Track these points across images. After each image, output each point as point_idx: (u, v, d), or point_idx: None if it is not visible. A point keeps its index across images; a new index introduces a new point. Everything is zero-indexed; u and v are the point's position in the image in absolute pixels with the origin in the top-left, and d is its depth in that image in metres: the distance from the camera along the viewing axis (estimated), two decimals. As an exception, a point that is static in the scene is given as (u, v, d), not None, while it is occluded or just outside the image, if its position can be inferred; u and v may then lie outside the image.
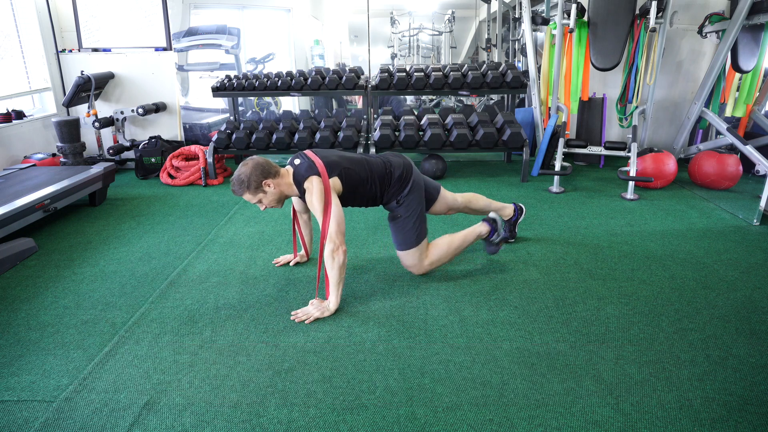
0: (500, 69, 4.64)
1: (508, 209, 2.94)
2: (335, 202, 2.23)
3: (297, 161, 2.35)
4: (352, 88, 4.75)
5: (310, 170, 2.27)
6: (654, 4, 3.90)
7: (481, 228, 2.68)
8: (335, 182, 2.28)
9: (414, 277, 2.61)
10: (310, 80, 4.75)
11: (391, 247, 2.96)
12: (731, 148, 4.20)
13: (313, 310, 2.24)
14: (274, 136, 4.41)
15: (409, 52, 6.31)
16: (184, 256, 2.93)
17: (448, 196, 2.78)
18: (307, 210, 2.68)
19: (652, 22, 3.95)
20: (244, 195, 2.28)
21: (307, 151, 2.38)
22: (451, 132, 4.27)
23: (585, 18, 4.38)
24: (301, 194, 2.34)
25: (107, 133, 5.21)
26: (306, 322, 2.19)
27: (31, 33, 4.92)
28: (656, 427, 1.58)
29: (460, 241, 2.61)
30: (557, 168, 4.05)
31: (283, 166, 2.43)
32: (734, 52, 4.09)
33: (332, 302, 2.25)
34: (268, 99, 6.04)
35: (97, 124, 4.81)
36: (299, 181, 2.29)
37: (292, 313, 2.26)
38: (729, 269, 2.65)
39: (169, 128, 5.37)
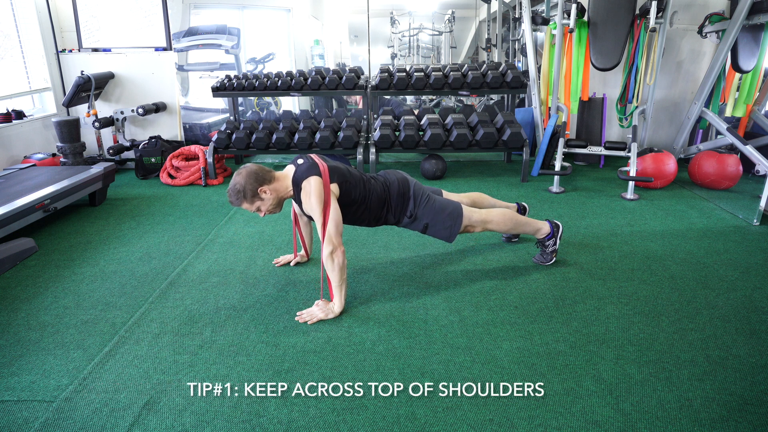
0: (500, 69, 4.64)
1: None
2: (334, 203, 2.22)
3: (300, 161, 2.32)
4: (352, 88, 4.75)
5: (312, 170, 2.24)
6: (654, 4, 3.90)
7: (543, 225, 2.67)
8: (334, 188, 2.26)
9: (414, 277, 2.61)
10: (310, 80, 4.75)
11: (391, 248, 2.97)
12: (731, 148, 4.20)
13: (317, 311, 2.23)
14: (274, 136, 4.41)
15: (409, 52, 6.31)
16: (184, 256, 2.93)
17: (452, 197, 2.77)
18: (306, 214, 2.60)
19: (652, 22, 3.95)
20: (243, 204, 2.27)
21: (313, 155, 2.37)
22: (451, 132, 4.26)
23: (585, 18, 4.38)
24: (297, 195, 2.30)
25: (107, 133, 5.21)
26: (309, 323, 2.19)
27: (31, 33, 4.91)
28: (656, 427, 1.58)
29: (520, 220, 2.64)
30: (557, 168, 4.05)
31: (284, 166, 2.43)
32: (734, 52, 4.08)
33: (337, 305, 2.25)
34: (268, 99, 6.05)
35: (97, 124, 4.81)
36: (298, 180, 2.26)
37: (297, 313, 2.26)
38: (729, 269, 2.64)
39: (169, 128, 5.37)
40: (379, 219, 2.50)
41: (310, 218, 2.34)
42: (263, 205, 2.28)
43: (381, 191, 2.45)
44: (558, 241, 2.68)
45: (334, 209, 2.21)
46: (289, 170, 2.36)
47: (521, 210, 3.00)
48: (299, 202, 2.33)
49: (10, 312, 2.36)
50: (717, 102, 4.44)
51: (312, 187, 2.19)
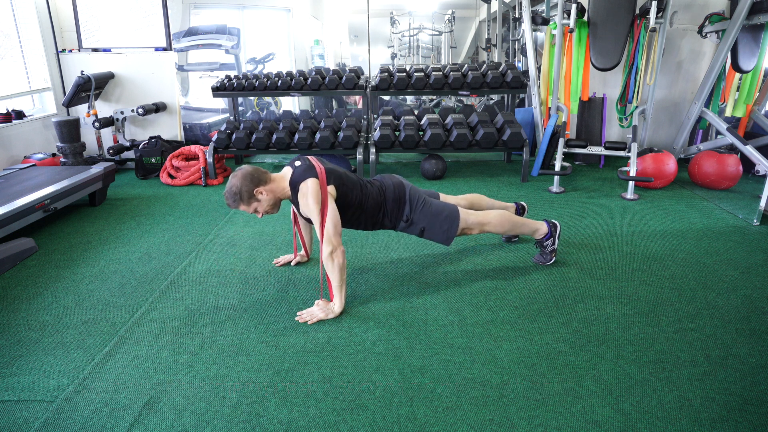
0: (500, 69, 4.64)
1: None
2: (331, 203, 2.22)
3: (297, 162, 2.34)
4: (352, 88, 4.75)
5: (309, 172, 2.25)
6: (654, 4, 3.90)
7: (541, 226, 2.68)
8: (331, 189, 2.27)
9: (414, 277, 2.61)
10: (310, 80, 4.75)
11: (391, 248, 2.97)
12: (731, 148, 4.20)
13: (317, 311, 2.23)
14: (274, 136, 4.41)
15: (409, 52, 6.30)
16: (184, 256, 2.93)
17: (449, 199, 2.78)
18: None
19: (652, 22, 3.95)
20: (240, 206, 2.28)
21: (311, 156, 2.37)
22: (451, 132, 4.26)
23: (585, 18, 4.38)
24: (294, 197, 2.30)
25: (107, 133, 5.21)
26: (309, 323, 2.19)
27: (31, 33, 4.91)
28: (656, 427, 1.58)
29: (517, 221, 2.64)
30: (557, 168, 4.05)
31: (284, 167, 2.43)
32: (734, 52, 4.08)
33: (337, 305, 2.25)
34: (268, 99, 6.04)
35: (97, 124, 4.81)
36: (295, 182, 2.27)
37: (298, 313, 2.26)
38: (729, 269, 2.64)
39: (169, 128, 5.37)
40: (375, 223, 2.51)
41: (309, 221, 2.34)
42: (260, 206, 2.30)
43: (377, 195, 2.46)
44: (557, 241, 2.68)
45: (332, 210, 2.21)
46: (286, 172, 2.36)
47: (519, 209, 3.00)
48: (297, 204, 2.33)
49: (10, 312, 2.36)
50: (717, 102, 4.44)
51: (309, 188, 2.20)
